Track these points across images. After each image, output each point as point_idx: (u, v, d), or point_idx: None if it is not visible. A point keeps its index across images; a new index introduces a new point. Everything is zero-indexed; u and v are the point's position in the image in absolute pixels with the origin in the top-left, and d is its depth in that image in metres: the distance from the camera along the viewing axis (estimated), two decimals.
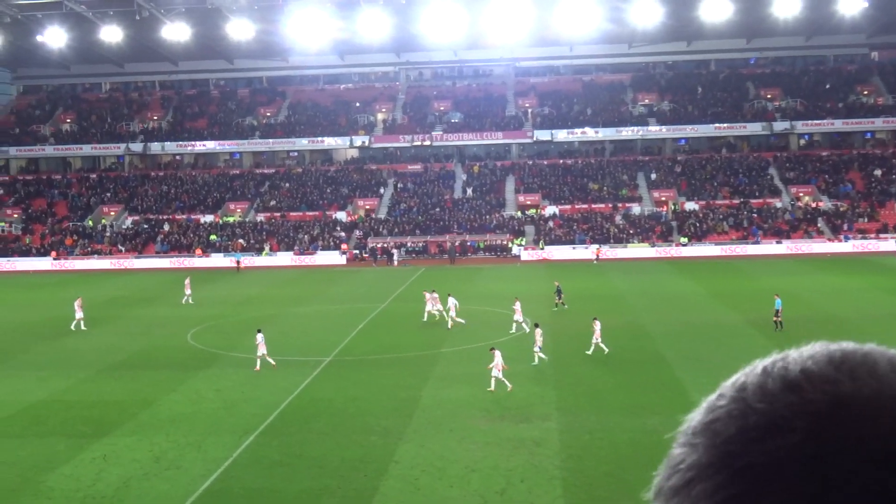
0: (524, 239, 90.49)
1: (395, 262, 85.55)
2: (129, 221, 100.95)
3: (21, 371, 40.96)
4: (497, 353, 35.17)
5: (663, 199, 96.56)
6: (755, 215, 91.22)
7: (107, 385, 37.93)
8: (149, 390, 36.64)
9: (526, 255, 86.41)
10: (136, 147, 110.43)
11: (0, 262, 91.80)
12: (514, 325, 46.84)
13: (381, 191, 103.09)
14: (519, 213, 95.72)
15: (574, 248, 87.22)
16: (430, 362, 40.36)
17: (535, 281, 68.52)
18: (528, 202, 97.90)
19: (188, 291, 61.34)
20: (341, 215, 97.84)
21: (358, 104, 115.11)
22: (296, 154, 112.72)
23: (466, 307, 54.17)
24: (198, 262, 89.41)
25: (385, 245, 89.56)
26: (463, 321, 49.45)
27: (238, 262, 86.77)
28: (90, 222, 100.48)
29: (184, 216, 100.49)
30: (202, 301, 61.72)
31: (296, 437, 29.65)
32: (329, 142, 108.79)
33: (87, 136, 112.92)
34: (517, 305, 47.45)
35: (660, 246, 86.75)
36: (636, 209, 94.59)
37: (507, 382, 34.64)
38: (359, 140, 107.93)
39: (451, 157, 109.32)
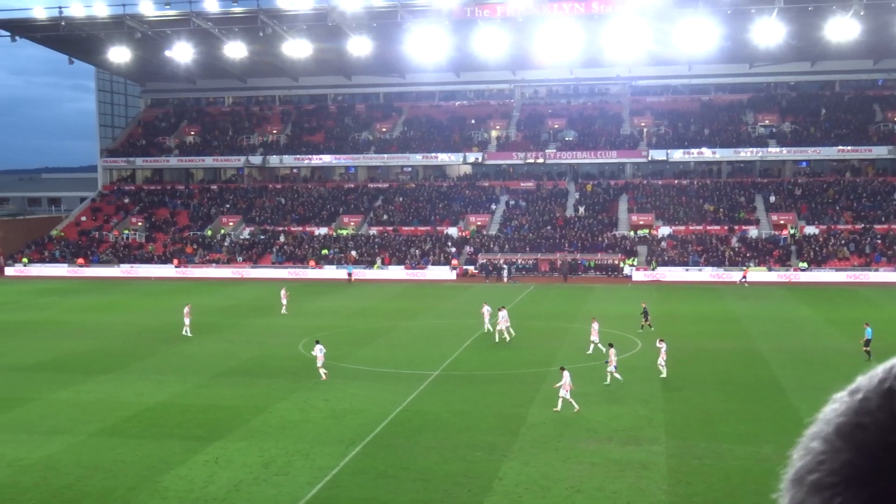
0: (636, 259, 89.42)
1: (505, 279, 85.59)
2: (246, 232, 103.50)
3: (142, 374, 42.41)
4: (566, 374, 34.89)
5: (782, 222, 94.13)
6: (879, 241, 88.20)
7: (220, 390, 38.97)
8: (260, 397, 37.49)
9: (637, 276, 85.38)
10: (256, 160, 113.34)
11: (124, 268, 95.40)
12: (591, 345, 46.52)
13: (493, 207, 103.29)
14: (631, 233, 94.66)
15: (687, 269, 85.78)
16: (538, 380, 40.21)
17: (646, 302, 67.55)
18: (641, 222, 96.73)
19: (284, 301, 62.68)
20: (453, 231, 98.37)
21: (472, 121, 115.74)
22: (409, 169, 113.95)
23: (577, 326, 53.92)
24: (311, 273, 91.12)
25: (495, 261, 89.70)
26: (510, 334, 49.98)
27: (350, 275, 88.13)
28: (210, 232, 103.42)
29: (299, 228, 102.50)
30: (314, 312, 62.84)
31: (402, 449, 29.93)
32: (443, 157, 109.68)
33: (209, 148, 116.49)
34: (594, 326, 47.23)
35: (777, 270, 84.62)
36: (753, 232, 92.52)
37: (573, 403, 34.39)
38: (472, 156, 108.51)
39: (564, 174, 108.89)
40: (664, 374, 40.24)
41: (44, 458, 29.27)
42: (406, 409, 35.36)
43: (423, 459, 28.67)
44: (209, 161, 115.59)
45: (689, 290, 75.14)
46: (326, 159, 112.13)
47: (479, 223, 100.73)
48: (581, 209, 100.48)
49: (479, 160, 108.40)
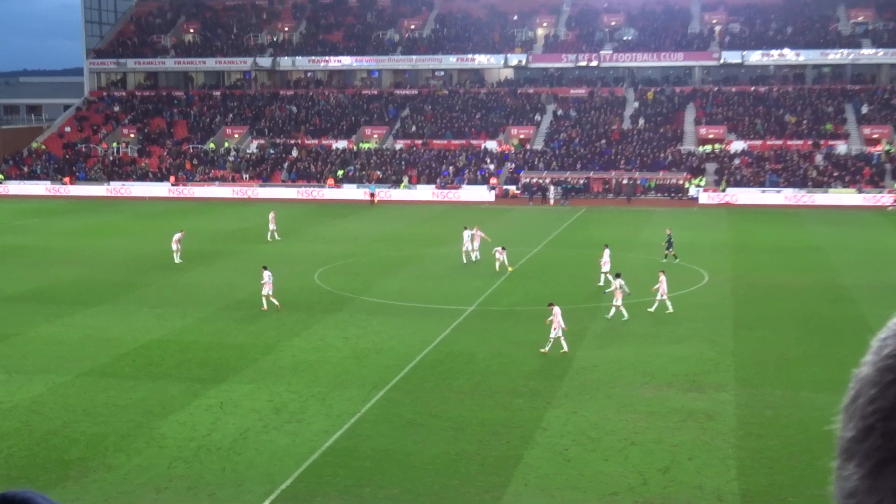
0: (704, 179, 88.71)
1: (552, 201, 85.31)
2: (254, 146, 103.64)
3: (136, 307, 42.86)
4: (556, 310, 34.74)
5: (875, 136, 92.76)
6: None
7: (226, 326, 39.36)
8: (271, 334, 37.83)
9: (705, 198, 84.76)
10: (265, 62, 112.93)
11: (114, 186, 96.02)
12: (602, 276, 46.70)
13: (539, 118, 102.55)
14: (699, 149, 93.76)
15: (763, 191, 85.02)
16: (588, 317, 40.23)
17: (715, 227, 67.23)
18: (711, 136, 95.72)
19: (272, 227, 63.05)
20: (491, 145, 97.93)
21: (515, 17, 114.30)
22: (442, 74, 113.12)
23: (634, 256, 53.84)
24: (329, 193, 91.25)
25: (541, 181, 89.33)
26: (472, 259, 51.85)
27: (372, 195, 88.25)
28: (212, 145, 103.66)
29: (314, 141, 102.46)
30: (332, 237, 63.08)
31: (431, 394, 30.15)
32: (480, 60, 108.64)
33: (210, 48, 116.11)
34: (606, 255, 47.35)
35: (869, 193, 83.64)
36: (841, 148, 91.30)
37: (564, 344, 34.51)
38: (514, 59, 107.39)
39: (621, 80, 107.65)
40: (670, 309, 40.54)
41: (26, 401, 29.76)
42: (437, 349, 35.54)
43: (456, 406, 28.86)
44: (211, 63, 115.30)
45: (765, 215, 74.54)
46: (346, 62, 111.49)
47: (521, 136, 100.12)
48: (640, 121, 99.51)
49: (523, 63, 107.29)
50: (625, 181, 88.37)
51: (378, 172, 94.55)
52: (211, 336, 37.79)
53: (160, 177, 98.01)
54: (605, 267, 47.14)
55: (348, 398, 29.69)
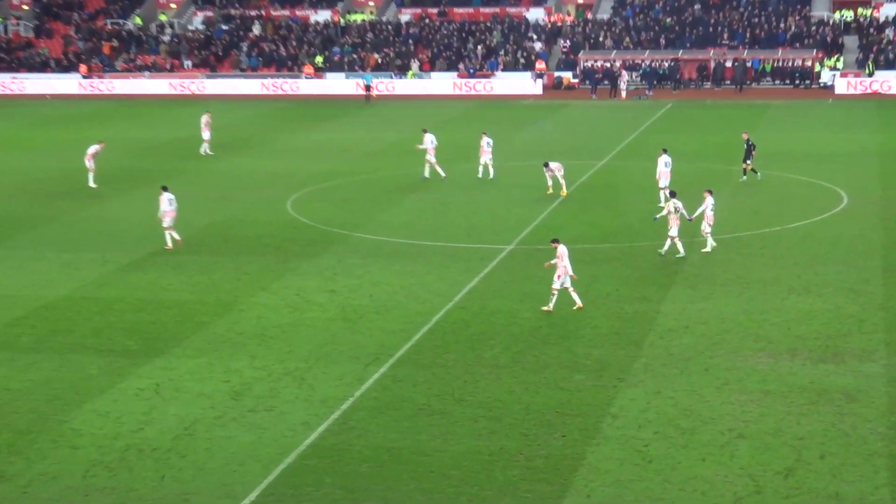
0: (841, 58, 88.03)
1: (624, 94, 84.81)
2: (198, 20, 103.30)
3: (36, 251, 43.06)
4: (561, 250, 34.86)
5: None
6: None
7: (162, 277, 39.50)
8: (227, 287, 37.95)
9: (843, 86, 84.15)
10: None
11: (3, 80, 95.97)
12: (661, 194, 47.69)
13: None
14: (835, 15, 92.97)
15: None
16: (677, 258, 40.15)
17: (856, 126, 66.74)
18: None
19: (206, 136, 63.07)
20: (537, 14, 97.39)
21: None
22: None
23: (735, 169, 53.66)
24: (307, 86, 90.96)
25: (609, 64, 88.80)
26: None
27: (368, 88, 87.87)
28: (138, 20, 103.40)
29: (285, 12, 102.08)
30: (312, 148, 62.90)
31: (455, 369, 30.20)
32: None
33: None
34: (662, 164, 48.84)
35: None
36: None
37: (575, 297, 34.82)
38: None
39: None
40: (707, 248, 40.87)
41: None
42: (462, 305, 35.58)
43: (490, 386, 28.89)
44: None
45: None
46: None
47: (581, 0, 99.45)
48: None
49: None
50: (728, 63, 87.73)
51: (376, 56, 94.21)
52: (142, 291, 37.88)
53: (66, 66, 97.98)
54: (663, 181, 47.97)
55: (338, 377, 29.76)
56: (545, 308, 34.69)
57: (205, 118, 63.55)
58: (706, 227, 40.73)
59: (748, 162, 52.37)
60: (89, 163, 53.76)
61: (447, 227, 45.51)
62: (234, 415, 27.52)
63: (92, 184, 53.50)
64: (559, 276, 34.74)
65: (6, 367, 31.07)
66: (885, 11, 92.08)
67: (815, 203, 47.73)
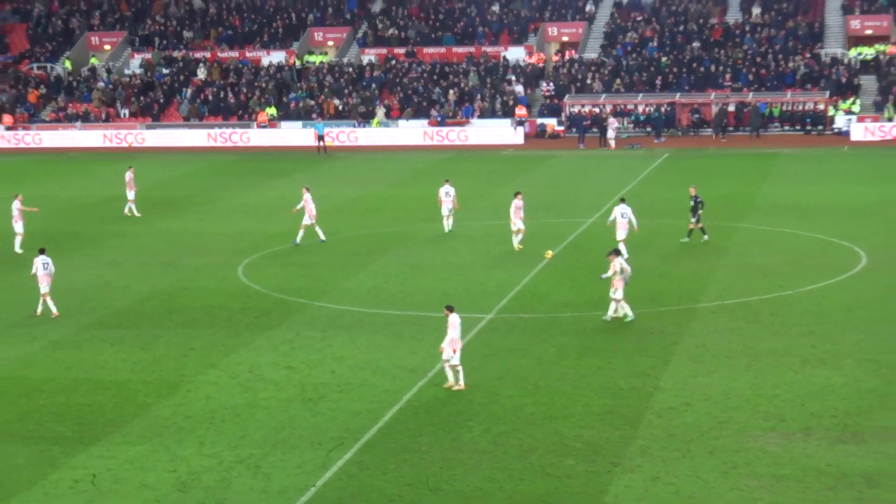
0: (857, 101, 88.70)
1: (613, 143, 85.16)
2: (135, 63, 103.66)
3: None
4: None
5: None
6: None
7: (98, 353, 39.40)
8: (171, 364, 37.91)
9: (860, 132, 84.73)
10: None
11: None
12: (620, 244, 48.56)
13: (591, 9, 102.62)
14: (850, 53, 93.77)
15: None
16: (678, 326, 40.39)
17: (875, 178, 67.26)
18: (869, 31, 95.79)
19: (131, 195, 63.06)
20: (517, 53, 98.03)
21: None
22: None
23: (746, 227, 54.05)
24: (259, 137, 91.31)
25: (597, 109, 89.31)
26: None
27: (321, 139, 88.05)
28: (68, 64, 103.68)
29: (233, 54, 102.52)
30: (264, 207, 63.06)
31: (428, 455, 30.22)
32: None
33: None
34: (618, 213, 49.71)
35: None
36: None
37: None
38: None
39: None
40: (611, 314, 41.17)
41: None
42: (435, 382, 35.61)
43: (470, 474, 28.93)
44: None
45: None
46: None
47: (565, 38, 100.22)
48: (755, 10, 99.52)
49: None
50: (731, 107, 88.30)
51: (336, 102, 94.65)
52: (75, 370, 37.80)
53: None
54: (620, 233, 49.29)
55: (297, 465, 29.75)
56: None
57: (128, 174, 63.42)
58: (613, 293, 41.01)
59: (694, 221, 52.47)
60: (16, 224, 53.84)
61: (418, 293, 45.59)
62: None
63: (18, 249, 53.69)
64: (453, 350, 34.67)
65: None
66: None
67: (830, 263, 47.95)
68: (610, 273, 40.46)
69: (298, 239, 54.07)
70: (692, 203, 52.77)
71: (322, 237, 54.45)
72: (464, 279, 47.83)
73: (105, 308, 44.77)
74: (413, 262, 51.16)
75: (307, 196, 54.67)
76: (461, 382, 34.54)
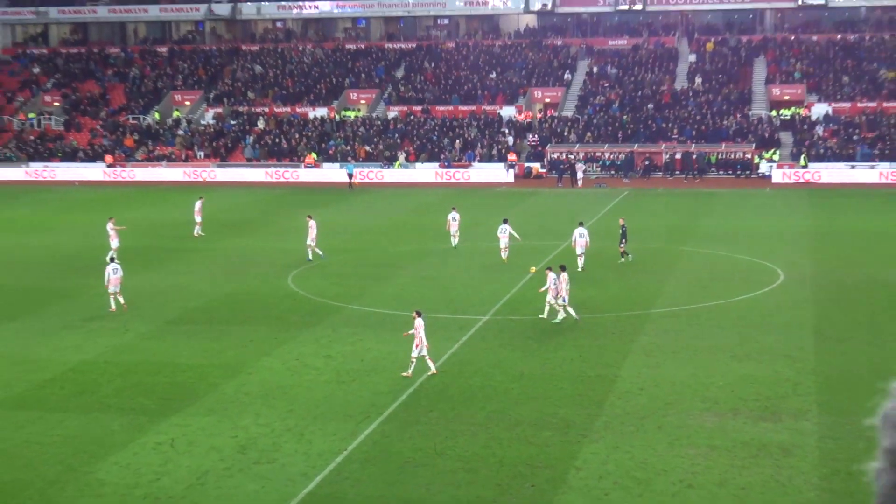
0: (777, 152, 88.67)
1: (580, 182, 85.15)
2: (209, 116, 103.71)
3: (64, 321, 42.94)
4: (419, 321, 34.77)
5: None
6: None
7: (177, 343, 39.44)
8: (234, 353, 37.90)
9: (779, 176, 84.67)
10: (222, 9, 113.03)
11: (36, 167, 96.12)
12: (579, 259, 50.09)
13: (568, 77, 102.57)
14: (772, 114, 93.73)
15: (853, 166, 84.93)
16: (633, 328, 40.31)
17: (791, 212, 67.21)
18: (786, 97, 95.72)
19: (198, 219, 63.16)
20: (509, 112, 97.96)
21: None
22: (446, 21, 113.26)
23: (691, 250, 54.01)
24: (305, 175, 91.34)
25: (572, 156, 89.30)
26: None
27: (351, 177, 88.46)
28: (157, 116, 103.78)
29: (286, 109, 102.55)
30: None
31: (436, 426, 30.20)
32: (495, 4, 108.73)
33: None
34: (580, 234, 50.69)
35: None
36: None
37: (430, 364, 34.82)
38: (538, 2, 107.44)
39: (672, 28, 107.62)
40: (544, 315, 41.45)
41: None
42: (444, 369, 35.55)
43: (468, 442, 28.91)
44: (154, 12, 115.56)
45: (855, 197, 74.47)
46: (324, 7, 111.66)
47: (547, 100, 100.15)
48: (697, 79, 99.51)
49: (549, 7, 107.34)
50: (678, 155, 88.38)
51: (367, 148, 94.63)
52: (159, 355, 37.83)
53: (92, 156, 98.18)
54: (579, 249, 50.34)
55: (332, 433, 29.74)
56: (405, 374, 34.45)
57: (198, 204, 63.60)
58: (550, 298, 41.14)
59: (622, 245, 52.35)
60: (113, 240, 53.97)
61: (429, 299, 45.57)
62: (241, 466, 27.50)
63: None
64: (417, 346, 34.56)
65: (37, 424, 31.03)
66: (816, 111, 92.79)
67: (755, 279, 47.99)
68: (549, 284, 40.86)
69: (310, 255, 53.86)
70: (621, 231, 52.61)
71: (310, 257, 53.75)
72: (465, 288, 47.81)
73: (182, 308, 44.77)
74: (425, 275, 51.19)
75: (311, 223, 54.29)
76: (432, 368, 34.68)
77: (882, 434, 1.31)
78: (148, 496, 25.76)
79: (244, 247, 58.44)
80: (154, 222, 67.31)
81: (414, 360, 34.66)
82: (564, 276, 41.18)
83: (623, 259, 52.03)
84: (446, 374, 35.06)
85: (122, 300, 43.92)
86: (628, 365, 35.78)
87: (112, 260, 45.78)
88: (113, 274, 44.02)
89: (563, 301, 40.68)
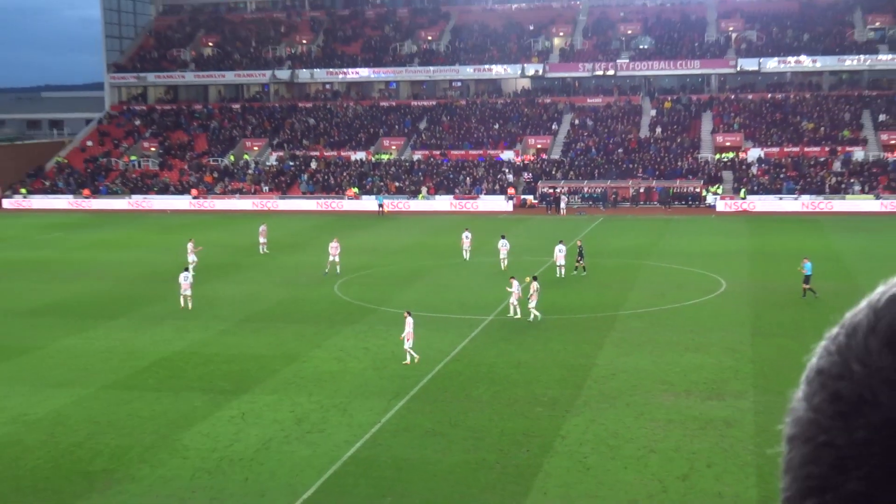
0: (721, 187, 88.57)
1: (563, 211, 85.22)
2: (273, 158, 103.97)
3: (158, 320, 43.11)
4: (409, 319, 35.03)
5: (893, 142, 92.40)
6: None
7: (247, 338, 39.54)
8: (292, 345, 37.99)
9: (723, 206, 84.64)
10: (283, 74, 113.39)
11: (135, 199, 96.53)
12: (559, 269, 51.23)
13: (556, 127, 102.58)
14: (716, 157, 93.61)
15: (781, 198, 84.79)
16: (606, 326, 40.28)
17: (732, 234, 67.11)
18: (728, 143, 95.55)
19: (262, 240, 63.23)
20: (509, 155, 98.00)
21: (531, 27, 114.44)
22: (459, 84, 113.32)
23: (652, 264, 54.05)
24: (348, 204, 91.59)
25: (558, 190, 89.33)
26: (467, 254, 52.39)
27: (381, 206, 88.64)
28: (231, 158, 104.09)
29: (333, 153, 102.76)
30: (348, 249, 63.28)
31: (451, 404, 30.23)
32: (497, 70, 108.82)
33: (229, 61, 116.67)
34: (560, 249, 51.66)
35: (887, 199, 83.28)
36: (859, 154, 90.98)
37: (413, 355, 34.84)
38: (531, 69, 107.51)
39: (637, 89, 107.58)
40: (518, 315, 41.58)
41: (51, 413, 30.01)
42: (456, 358, 35.63)
43: (476, 416, 28.93)
44: (230, 77, 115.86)
45: (783, 223, 74.37)
46: (363, 73, 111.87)
47: (539, 146, 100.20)
48: (657, 130, 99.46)
49: (540, 73, 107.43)
50: (642, 189, 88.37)
51: (396, 183, 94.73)
52: (232, 347, 37.98)
53: (181, 190, 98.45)
54: (560, 261, 51.11)
55: (369, 408, 29.79)
56: (406, 363, 34.64)
57: (262, 228, 64.06)
58: (513, 300, 41.67)
59: (580, 261, 52.22)
60: (191, 257, 54.20)
61: (445, 303, 45.64)
62: (297, 435, 27.54)
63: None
64: (408, 339, 34.75)
65: (137, 401, 31.13)
66: (751, 155, 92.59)
67: (703, 287, 47.94)
68: (531, 291, 41.32)
69: (335, 269, 53.50)
70: (578, 250, 52.76)
71: (326, 271, 53.39)
72: (473, 293, 47.78)
73: (250, 310, 44.84)
74: (442, 283, 51.19)
75: (334, 244, 54.31)
76: (416, 359, 34.70)
77: (817, 357, 1.08)
78: (224, 458, 25.82)
79: (299, 262, 58.53)
80: (228, 243, 67.52)
81: (409, 351, 34.84)
82: (535, 284, 41.44)
83: (576, 272, 52.01)
84: (458, 363, 35.08)
85: (189, 302, 44.60)
86: (602, 355, 35.76)
87: (186, 269, 46.53)
88: (183, 280, 44.96)
89: (532, 304, 41.21)
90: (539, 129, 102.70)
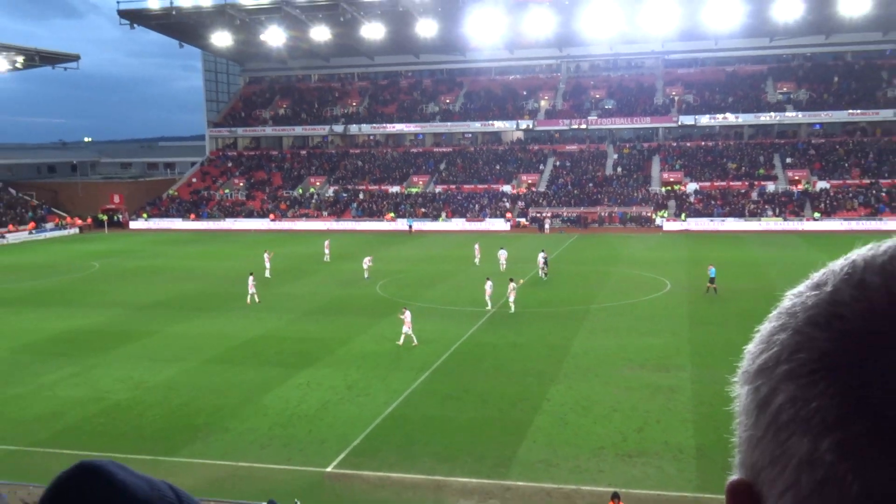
0: (667, 211, 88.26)
1: (547, 230, 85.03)
2: (330, 191, 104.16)
3: (243, 312, 43.20)
4: (407, 313, 34.90)
5: (797, 178, 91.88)
6: (884, 194, 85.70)
7: (311, 325, 39.57)
8: (344, 331, 38.00)
9: (668, 226, 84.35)
10: (338, 128, 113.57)
11: (228, 222, 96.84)
12: (540, 270, 51.05)
13: (542, 167, 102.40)
14: (663, 189, 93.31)
15: (712, 220, 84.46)
16: (581, 316, 40.17)
17: (675, 248, 66.86)
18: (672, 179, 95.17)
19: (327, 251, 63.60)
20: (507, 188, 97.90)
21: (524, 92, 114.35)
22: (470, 135, 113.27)
23: (615, 270, 53.81)
24: (382, 225, 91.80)
25: (543, 214, 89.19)
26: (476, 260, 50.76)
27: (410, 227, 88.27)
28: (300, 191, 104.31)
29: (375, 187, 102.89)
30: (385, 259, 63.35)
31: (464, 374, 30.18)
32: (498, 125, 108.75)
33: (298, 119, 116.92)
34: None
35: (792, 220, 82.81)
36: (771, 187, 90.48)
37: (408, 339, 34.58)
38: (524, 123, 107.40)
39: (604, 138, 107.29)
40: (513, 311, 41.08)
41: (164, 381, 30.11)
42: (467, 340, 35.59)
43: (483, 383, 28.88)
44: (299, 130, 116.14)
45: (714, 239, 74.06)
46: (398, 127, 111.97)
47: (529, 181, 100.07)
48: (619, 169, 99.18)
49: (530, 127, 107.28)
50: (606, 214, 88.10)
51: (422, 209, 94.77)
52: (299, 332, 38.01)
53: (262, 214, 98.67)
54: (541, 266, 50.77)
55: (402, 378, 29.77)
56: (414, 344, 34.42)
57: (326, 242, 64.18)
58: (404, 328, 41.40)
59: (545, 268, 51.93)
60: (267, 263, 54.17)
61: (460, 298, 45.58)
62: (348, 398, 27.52)
63: (267, 275, 54.14)
64: (408, 326, 34.65)
65: (229, 372, 31.18)
66: (690, 187, 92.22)
67: (654, 286, 47.76)
68: (514, 290, 41.44)
69: (362, 276, 52.91)
70: (544, 259, 52.37)
71: (366, 276, 52.69)
72: (480, 291, 47.67)
73: (310, 305, 44.80)
74: (457, 284, 51.07)
75: (368, 259, 54.05)
76: (413, 341, 34.52)
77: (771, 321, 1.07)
78: (294, 415, 25.82)
79: (350, 268, 58.50)
80: (296, 254, 67.58)
81: (411, 335, 34.64)
82: (512, 284, 41.39)
83: (542, 275, 51.56)
84: (469, 344, 34.99)
85: (257, 298, 44.79)
86: (578, 338, 35.66)
87: (251, 274, 46.41)
88: (250, 281, 45.21)
89: (510, 300, 41.15)
90: (530, 168, 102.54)
